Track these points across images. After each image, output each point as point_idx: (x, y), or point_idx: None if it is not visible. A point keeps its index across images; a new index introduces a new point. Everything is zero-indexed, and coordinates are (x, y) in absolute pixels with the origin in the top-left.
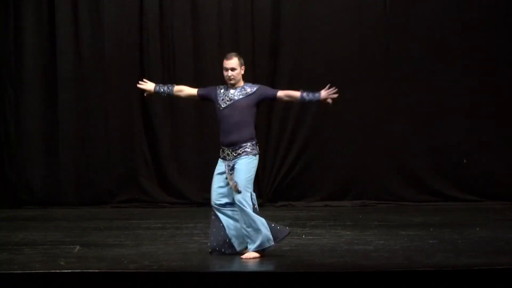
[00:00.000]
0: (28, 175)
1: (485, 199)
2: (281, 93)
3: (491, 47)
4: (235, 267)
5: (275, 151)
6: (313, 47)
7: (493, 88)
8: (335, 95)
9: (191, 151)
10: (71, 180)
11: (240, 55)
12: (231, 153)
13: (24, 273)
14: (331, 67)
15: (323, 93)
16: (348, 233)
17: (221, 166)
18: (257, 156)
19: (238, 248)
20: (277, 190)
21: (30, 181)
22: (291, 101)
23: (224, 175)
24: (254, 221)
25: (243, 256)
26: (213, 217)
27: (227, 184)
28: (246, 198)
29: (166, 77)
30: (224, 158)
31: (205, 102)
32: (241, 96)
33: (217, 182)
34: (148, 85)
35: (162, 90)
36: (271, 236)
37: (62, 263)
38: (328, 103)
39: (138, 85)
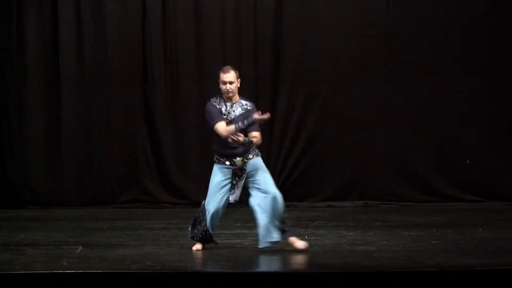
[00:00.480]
0: (31, 176)
1: (487, 200)
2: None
3: (492, 47)
4: (237, 267)
5: (277, 152)
6: (315, 48)
7: (495, 88)
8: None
9: (193, 152)
10: (74, 180)
11: (234, 68)
12: (242, 160)
13: (26, 273)
14: (334, 68)
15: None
16: (351, 233)
17: (221, 172)
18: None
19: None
20: (279, 191)
21: (32, 181)
22: None
23: (226, 182)
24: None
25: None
26: (200, 214)
27: (228, 191)
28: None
29: (168, 78)
30: (231, 164)
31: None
32: (242, 112)
33: (220, 192)
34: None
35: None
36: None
37: (64, 263)
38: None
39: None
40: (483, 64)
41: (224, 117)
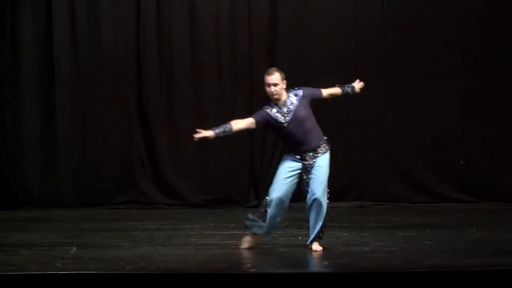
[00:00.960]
0: (26, 176)
1: (483, 200)
2: (325, 93)
3: (488, 47)
4: (231, 268)
5: (272, 151)
6: (310, 48)
7: (491, 89)
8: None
9: (188, 153)
10: (69, 181)
11: (280, 70)
12: (312, 155)
13: (20, 274)
14: (328, 68)
15: (356, 86)
16: (345, 234)
17: (293, 164)
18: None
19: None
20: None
21: (28, 182)
22: (331, 98)
23: (294, 173)
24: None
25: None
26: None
27: (295, 183)
28: (325, 195)
29: (163, 79)
30: (302, 159)
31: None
32: (296, 103)
33: (285, 182)
34: (206, 133)
35: (220, 131)
36: None
37: (59, 264)
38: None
39: (196, 137)
40: (479, 64)
41: (280, 119)
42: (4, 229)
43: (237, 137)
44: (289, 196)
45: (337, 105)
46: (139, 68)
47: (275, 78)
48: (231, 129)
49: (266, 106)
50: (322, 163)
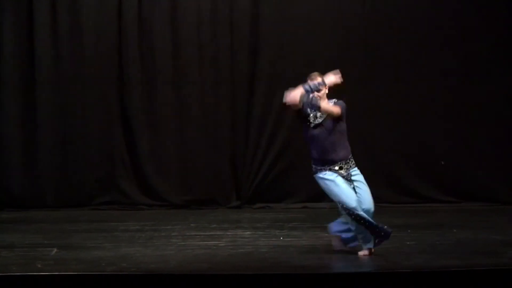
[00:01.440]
0: (7, 178)
1: (464, 201)
2: None
3: (468, 49)
4: (212, 269)
5: (253, 153)
6: (292, 49)
7: (471, 89)
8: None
9: (169, 153)
10: (50, 182)
11: (321, 74)
12: (344, 165)
13: (1, 275)
14: (310, 69)
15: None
16: (326, 234)
17: (334, 175)
18: None
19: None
20: (255, 192)
21: (9, 183)
22: None
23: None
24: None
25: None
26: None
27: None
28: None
29: (144, 79)
30: (335, 171)
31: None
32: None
33: (349, 189)
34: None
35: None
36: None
37: (39, 265)
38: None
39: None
40: (460, 65)
41: (311, 121)
42: None
43: (218, 138)
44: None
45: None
46: (120, 68)
47: None
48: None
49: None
50: (361, 178)
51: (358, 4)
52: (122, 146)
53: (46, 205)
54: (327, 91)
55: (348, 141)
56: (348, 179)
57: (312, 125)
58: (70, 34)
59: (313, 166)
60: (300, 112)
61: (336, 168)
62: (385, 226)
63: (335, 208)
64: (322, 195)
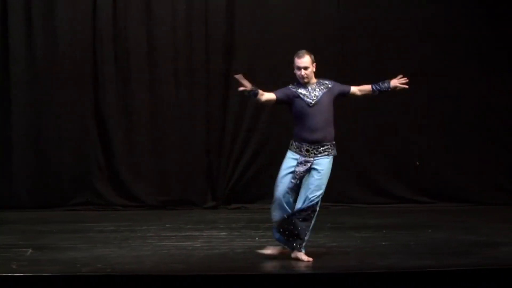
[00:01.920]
0: None
1: (438, 201)
2: (354, 89)
3: (444, 49)
4: (188, 270)
5: (229, 153)
6: (267, 49)
7: (447, 91)
8: (406, 85)
9: (145, 154)
10: (24, 183)
11: (310, 52)
12: (312, 150)
13: None
14: (286, 69)
15: (393, 82)
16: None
17: (292, 160)
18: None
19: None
20: (231, 193)
21: None
22: (362, 96)
23: (293, 170)
24: (311, 223)
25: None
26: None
27: (295, 184)
28: (319, 199)
29: (119, 79)
30: (299, 153)
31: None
32: (324, 91)
33: (287, 182)
34: (247, 82)
35: (254, 89)
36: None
37: (14, 266)
38: (400, 88)
39: (238, 77)
40: (436, 66)
41: (308, 99)
42: None
43: (193, 138)
44: (288, 193)
45: None
46: (95, 69)
47: (305, 61)
48: (258, 93)
49: (292, 85)
50: (324, 166)
51: (333, 4)
52: (97, 147)
53: (21, 206)
54: (314, 69)
55: (333, 124)
56: (309, 163)
57: (311, 104)
58: (45, 34)
59: (292, 141)
60: (286, 100)
61: (304, 150)
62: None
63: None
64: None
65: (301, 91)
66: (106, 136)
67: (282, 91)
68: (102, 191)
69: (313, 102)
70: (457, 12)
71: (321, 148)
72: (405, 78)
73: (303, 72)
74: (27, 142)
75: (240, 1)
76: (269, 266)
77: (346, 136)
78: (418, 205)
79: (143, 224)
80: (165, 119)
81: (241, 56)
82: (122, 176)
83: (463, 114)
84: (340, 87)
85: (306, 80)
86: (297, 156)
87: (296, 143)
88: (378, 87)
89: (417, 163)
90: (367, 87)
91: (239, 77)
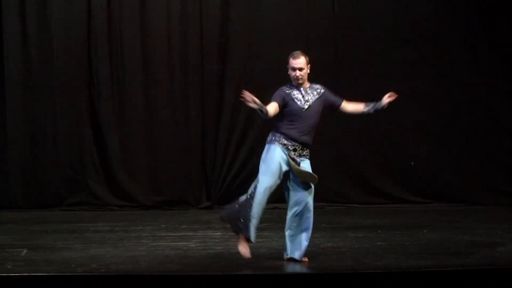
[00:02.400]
0: None
1: (433, 201)
2: (345, 104)
3: (439, 50)
4: (183, 270)
5: (223, 154)
6: (262, 50)
7: (442, 90)
8: (394, 97)
9: (140, 154)
10: (20, 183)
11: (305, 53)
12: (299, 150)
13: None
14: (280, 70)
15: (384, 100)
16: None
17: (281, 153)
18: None
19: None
20: (226, 193)
21: None
22: (351, 113)
23: (285, 162)
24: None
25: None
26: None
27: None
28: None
29: (114, 81)
30: (287, 149)
31: None
32: (317, 96)
33: (278, 171)
34: (255, 100)
35: (262, 108)
36: None
37: (9, 266)
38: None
39: (247, 95)
40: (429, 67)
41: (299, 102)
42: None
43: (188, 139)
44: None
45: None
46: (90, 69)
47: (301, 62)
48: (267, 112)
49: (285, 87)
50: (307, 168)
51: (328, 4)
52: (92, 147)
53: (16, 206)
54: (309, 71)
55: None
56: (297, 161)
57: (304, 109)
58: (39, 34)
59: (271, 137)
60: (283, 103)
61: (291, 148)
62: (250, 228)
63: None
64: None
65: (295, 93)
66: (101, 136)
67: (279, 96)
68: (97, 191)
69: (306, 107)
70: (453, 13)
71: (306, 151)
72: (395, 94)
73: (298, 73)
74: (22, 142)
75: (234, 2)
76: (264, 267)
77: (342, 136)
78: (413, 205)
79: (138, 224)
80: (160, 120)
81: (235, 56)
82: (117, 177)
83: (459, 115)
84: (332, 98)
85: (300, 82)
86: (285, 151)
87: (283, 139)
88: (372, 109)
89: (412, 163)
90: (359, 107)
91: (247, 95)
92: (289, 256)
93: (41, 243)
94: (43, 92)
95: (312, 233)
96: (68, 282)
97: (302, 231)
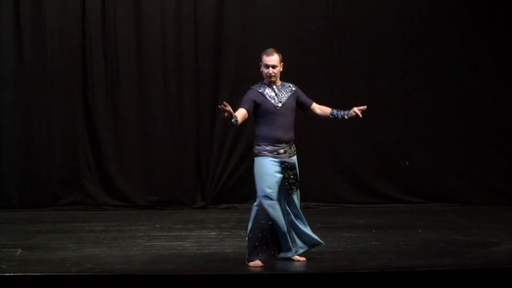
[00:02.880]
0: None
1: (428, 201)
2: (315, 105)
3: (432, 50)
4: (177, 270)
5: (218, 153)
6: (256, 50)
7: (435, 90)
8: (361, 112)
9: (134, 154)
10: (14, 183)
11: (278, 50)
12: (288, 149)
13: None
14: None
15: (352, 113)
16: None
17: (274, 164)
18: None
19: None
20: (220, 192)
21: None
22: (318, 115)
23: (279, 173)
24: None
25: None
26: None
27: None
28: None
29: (108, 81)
30: (278, 155)
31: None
32: (289, 94)
33: (275, 181)
34: (231, 111)
35: (235, 119)
36: None
37: (4, 266)
38: (357, 115)
39: (224, 107)
40: (425, 66)
41: (273, 100)
42: None
43: (183, 138)
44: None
45: None
46: (84, 69)
47: (274, 59)
48: (237, 123)
49: (256, 86)
50: (297, 168)
51: (322, 4)
52: (87, 147)
53: (10, 206)
54: (281, 69)
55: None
56: (291, 163)
57: (278, 107)
58: (34, 35)
59: (257, 147)
60: (254, 105)
61: (281, 151)
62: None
63: (300, 208)
64: None
65: (267, 92)
66: (96, 136)
67: (248, 99)
68: (91, 191)
69: (279, 105)
70: (447, 12)
71: (293, 148)
72: (364, 110)
73: (271, 70)
74: (17, 143)
75: (229, 2)
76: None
77: (336, 137)
78: (408, 205)
79: (132, 224)
80: (154, 120)
81: (230, 56)
82: (112, 176)
83: (453, 115)
84: (303, 97)
85: (272, 79)
86: (277, 160)
87: (270, 146)
88: (336, 115)
89: (407, 163)
90: (327, 110)
91: (224, 105)
92: (304, 248)
93: (36, 243)
94: (38, 93)
95: None
96: (63, 282)
97: (304, 226)
